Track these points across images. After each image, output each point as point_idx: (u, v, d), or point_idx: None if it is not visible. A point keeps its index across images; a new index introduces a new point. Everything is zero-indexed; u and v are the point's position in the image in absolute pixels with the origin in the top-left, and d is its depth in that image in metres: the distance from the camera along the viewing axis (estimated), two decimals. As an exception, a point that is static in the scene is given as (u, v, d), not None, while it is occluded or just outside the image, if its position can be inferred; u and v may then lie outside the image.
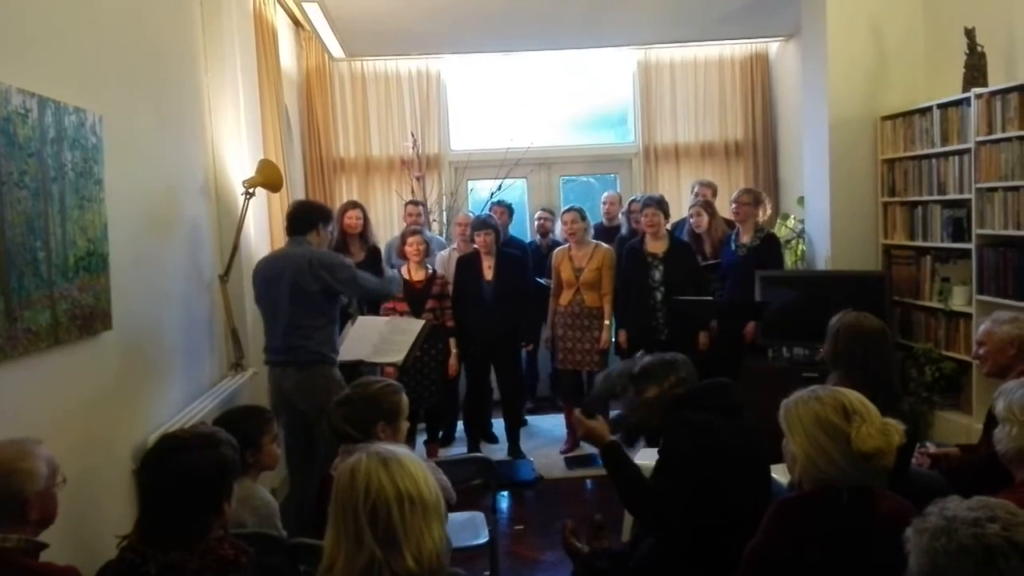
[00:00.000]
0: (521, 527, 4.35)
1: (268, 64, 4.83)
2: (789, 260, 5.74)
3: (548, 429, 5.90)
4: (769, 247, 5.15)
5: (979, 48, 4.35)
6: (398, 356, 4.09)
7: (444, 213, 6.67)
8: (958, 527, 1.35)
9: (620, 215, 5.95)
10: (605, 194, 6.45)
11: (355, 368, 4.01)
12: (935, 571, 1.36)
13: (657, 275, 5.06)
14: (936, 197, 4.63)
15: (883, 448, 1.87)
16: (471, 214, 5.65)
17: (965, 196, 4.34)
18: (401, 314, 4.83)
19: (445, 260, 5.38)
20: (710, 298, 5.09)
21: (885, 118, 5.07)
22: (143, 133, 3.27)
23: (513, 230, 6.26)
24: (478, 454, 4.66)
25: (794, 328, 4.85)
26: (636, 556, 2.70)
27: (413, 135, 6.68)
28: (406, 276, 5.03)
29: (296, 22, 6.11)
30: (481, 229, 5.15)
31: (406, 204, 5.90)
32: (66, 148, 2.50)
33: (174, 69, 3.70)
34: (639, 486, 2.53)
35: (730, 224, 5.42)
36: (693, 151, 7.07)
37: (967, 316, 4.39)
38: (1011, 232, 4.01)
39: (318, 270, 3.67)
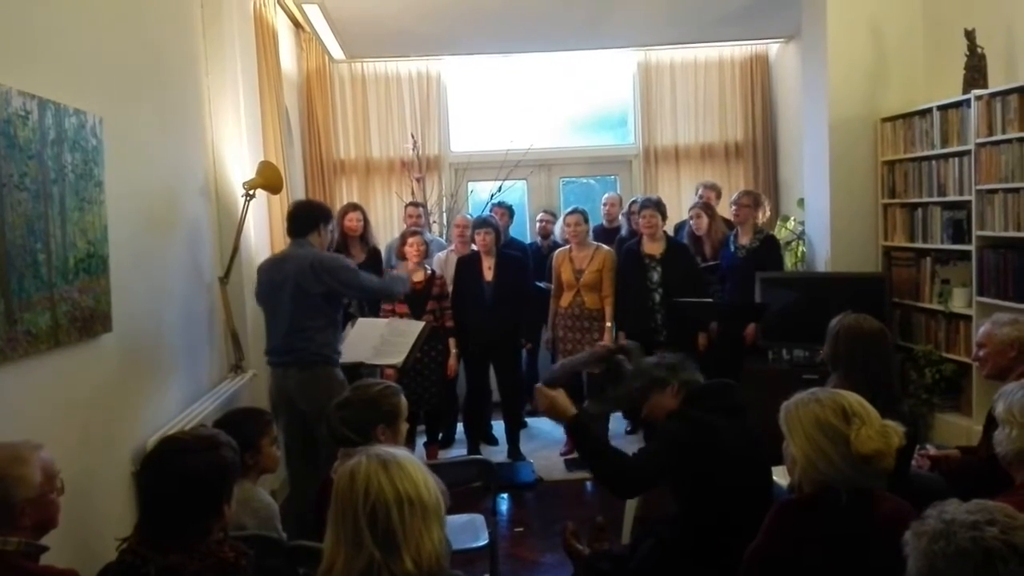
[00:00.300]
0: (521, 529, 4.34)
1: (268, 66, 4.84)
2: (789, 262, 5.75)
3: (548, 431, 5.89)
4: (768, 249, 5.15)
5: (979, 49, 4.36)
6: (398, 358, 4.09)
7: (444, 215, 6.67)
8: (957, 530, 1.35)
9: (620, 217, 5.96)
10: (606, 195, 6.46)
11: (355, 370, 4.01)
12: (934, 574, 1.36)
13: (655, 276, 5.07)
14: (936, 199, 4.63)
15: (883, 450, 1.87)
16: (469, 216, 5.65)
17: (965, 198, 4.34)
18: (401, 315, 4.83)
19: (442, 261, 5.38)
20: (710, 300, 5.09)
21: (885, 120, 5.07)
22: (143, 135, 3.27)
23: (513, 231, 6.26)
24: (478, 456, 4.65)
25: (794, 330, 4.85)
26: (637, 558, 2.70)
27: (413, 137, 6.69)
28: (405, 277, 5.03)
29: (296, 24, 6.12)
30: (481, 228, 5.15)
31: (406, 206, 5.90)
32: (66, 150, 2.50)
33: (174, 71, 3.70)
34: (607, 452, 2.56)
35: (730, 225, 5.42)
36: (693, 152, 7.07)
37: (967, 318, 4.39)
38: (1011, 234, 4.01)
39: (321, 273, 3.67)
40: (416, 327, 4.24)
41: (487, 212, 5.82)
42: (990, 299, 4.16)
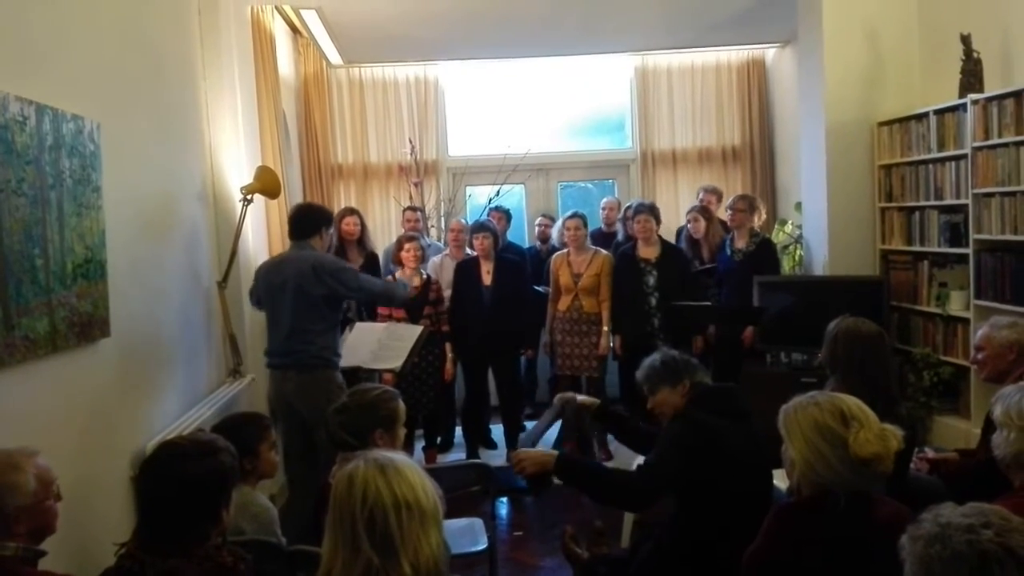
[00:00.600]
0: (520, 533, 4.34)
1: (266, 71, 4.84)
2: (787, 265, 5.75)
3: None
4: (765, 252, 5.16)
5: (975, 54, 4.37)
6: (396, 362, 4.09)
7: (442, 219, 6.67)
8: (952, 534, 1.35)
9: (617, 221, 5.97)
10: (604, 200, 6.47)
11: (354, 374, 4.01)
12: (930, 578, 1.36)
13: (651, 280, 5.08)
14: (933, 202, 4.64)
15: (881, 453, 1.87)
16: (463, 220, 5.66)
17: (962, 201, 4.35)
18: (398, 320, 4.83)
19: (438, 266, 5.37)
20: (708, 303, 5.09)
21: (882, 124, 5.08)
22: (141, 140, 3.27)
23: (511, 236, 6.27)
24: (477, 460, 4.65)
25: (792, 333, 4.85)
26: (636, 562, 2.70)
27: (411, 141, 6.69)
28: (401, 282, 5.03)
29: (294, 29, 6.13)
30: (479, 232, 5.15)
31: (404, 210, 5.90)
32: (64, 155, 2.50)
33: (172, 76, 3.70)
34: (605, 474, 2.56)
35: (727, 229, 5.43)
36: (691, 157, 7.08)
37: (965, 321, 4.39)
38: (1008, 237, 4.02)
39: (322, 274, 3.67)
40: (414, 331, 4.24)
41: (484, 216, 5.82)
42: (988, 302, 4.16)
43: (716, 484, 2.45)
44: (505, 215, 6.04)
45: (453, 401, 5.58)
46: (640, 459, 3.22)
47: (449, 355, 5.13)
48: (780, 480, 2.63)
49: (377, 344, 4.17)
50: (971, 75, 4.37)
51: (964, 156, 4.30)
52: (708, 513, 2.50)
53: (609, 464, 4.22)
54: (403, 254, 5.03)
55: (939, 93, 4.75)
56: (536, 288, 5.52)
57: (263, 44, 4.84)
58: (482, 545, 3.15)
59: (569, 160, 7.26)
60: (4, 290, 2.16)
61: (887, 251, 5.11)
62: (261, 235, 4.68)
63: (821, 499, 1.91)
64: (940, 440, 4.41)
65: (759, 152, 7.03)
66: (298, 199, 6.20)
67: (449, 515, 1.82)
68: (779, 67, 6.95)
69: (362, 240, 5.33)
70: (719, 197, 5.92)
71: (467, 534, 3.18)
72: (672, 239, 5.69)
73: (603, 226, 6.29)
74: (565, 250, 5.34)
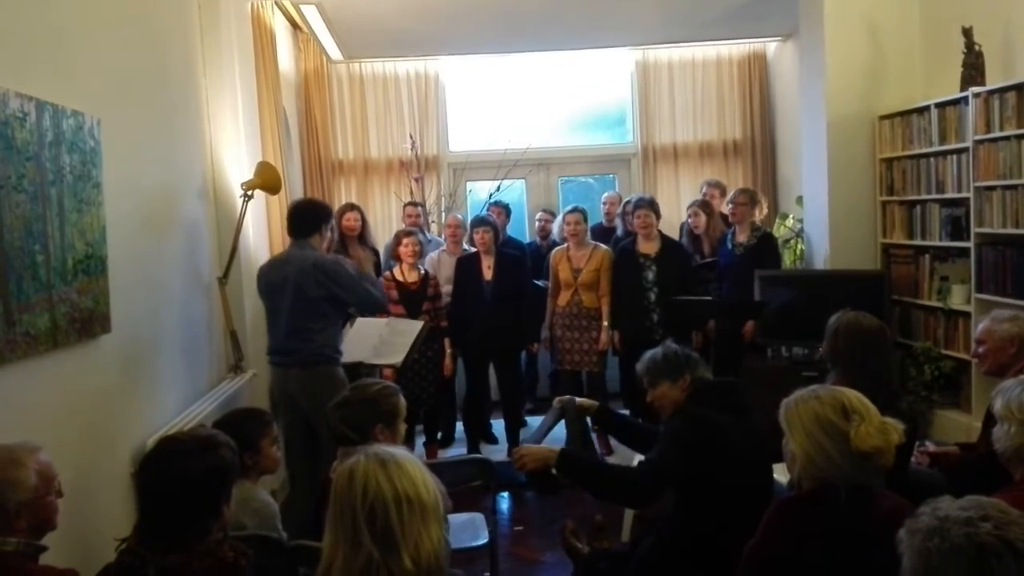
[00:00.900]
0: (521, 528, 4.35)
1: (266, 66, 4.84)
2: (788, 259, 5.75)
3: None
4: (766, 246, 5.15)
5: (976, 47, 4.36)
6: (397, 357, 4.09)
7: (443, 214, 6.66)
8: (950, 527, 1.36)
9: (617, 216, 5.96)
10: (605, 194, 6.46)
11: (355, 369, 4.02)
12: (929, 571, 1.36)
13: (650, 275, 5.07)
14: (935, 196, 4.63)
15: (882, 447, 1.87)
16: (459, 215, 5.66)
17: (963, 195, 4.34)
18: (397, 316, 4.82)
19: (435, 262, 5.37)
20: (709, 298, 5.09)
21: (883, 117, 5.07)
22: (141, 136, 3.27)
23: (512, 231, 6.26)
24: (478, 455, 4.65)
25: (793, 327, 4.85)
26: (636, 556, 2.70)
27: (411, 136, 6.69)
28: (400, 278, 5.03)
29: (294, 24, 6.12)
30: (480, 227, 5.15)
31: (405, 205, 5.90)
32: (64, 151, 2.50)
33: (172, 72, 3.70)
34: (608, 471, 2.57)
35: (728, 223, 5.42)
36: (692, 151, 7.07)
37: (966, 315, 4.39)
38: (1010, 230, 4.01)
39: (321, 277, 3.68)
40: (415, 327, 4.24)
41: (484, 212, 5.82)
42: (989, 296, 4.16)
43: (716, 479, 2.45)
44: (504, 210, 6.03)
45: (454, 396, 5.58)
46: (640, 457, 3.25)
47: (448, 351, 5.13)
48: (781, 474, 2.64)
49: (378, 339, 4.17)
50: (972, 68, 4.36)
51: (965, 149, 4.30)
52: (708, 508, 2.50)
53: (610, 459, 4.22)
54: (401, 249, 5.03)
55: (940, 86, 4.74)
56: (536, 282, 5.52)
57: (263, 40, 4.83)
58: (483, 540, 3.15)
59: (570, 155, 7.25)
60: (5, 286, 2.16)
61: (888, 245, 5.11)
62: (262, 231, 4.68)
63: (822, 493, 1.91)
64: (941, 434, 4.42)
65: (760, 146, 7.02)
66: (299, 195, 6.19)
67: (451, 509, 1.82)
68: (780, 61, 6.94)
69: (363, 236, 5.33)
70: (722, 191, 5.90)
71: (468, 529, 3.19)
72: (675, 234, 5.69)
73: (604, 221, 6.29)
74: (565, 245, 5.33)
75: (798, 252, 5.74)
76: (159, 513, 1.89)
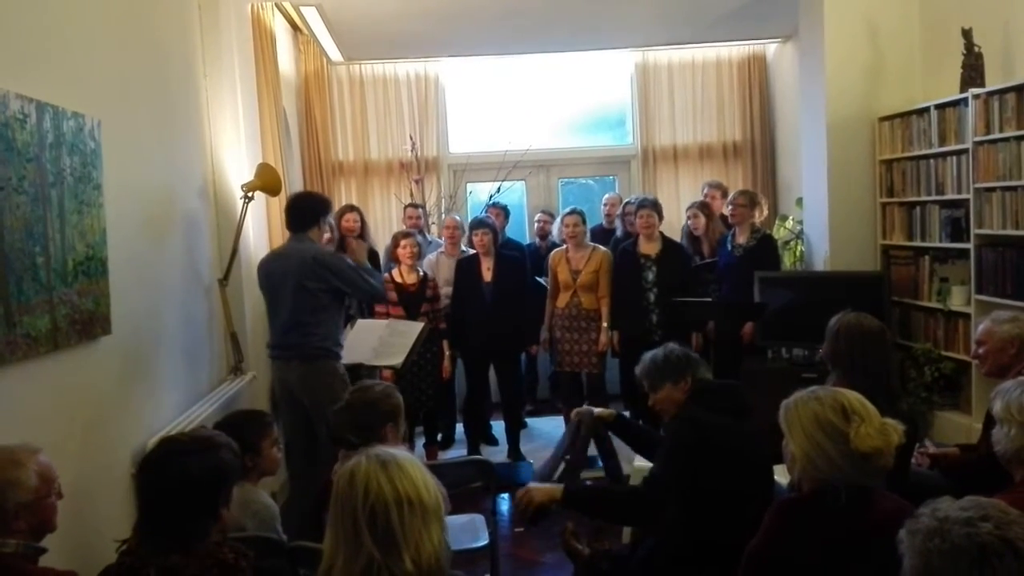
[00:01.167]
0: (521, 529, 4.34)
1: (266, 68, 4.84)
2: (788, 261, 5.75)
3: (548, 431, 5.89)
4: (765, 248, 5.15)
5: (976, 48, 4.36)
6: (398, 359, 4.10)
7: (443, 216, 6.67)
8: (951, 527, 1.36)
9: (616, 217, 5.96)
10: (606, 196, 6.46)
11: (355, 371, 4.02)
12: (930, 572, 1.36)
13: (650, 276, 5.07)
14: (934, 197, 4.63)
15: (882, 448, 1.87)
16: (457, 217, 5.67)
17: (963, 196, 4.35)
18: (396, 318, 4.82)
19: (433, 263, 5.37)
20: (709, 299, 5.09)
21: (883, 119, 5.08)
22: (142, 138, 3.27)
23: (512, 232, 6.26)
24: (478, 456, 4.65)
25: (793, 329, 4.85)
26: (637, 558, 2.70)
27: (412, 138, 6.69)
28: (399, 279, 5.03)
29: (294, 26, 6.12)
30: (478, 229, 5.15)
31: (405, 207, 5.90)
32: (65, 153, 2.50)
33: (173, 73, 3.70)
34: (613, 495, 2.58)
35: (728, 224, 5.42)
36: (692, 153, 7.08)
37: (966, 316, 4.39)
38: (1009, 232, 4.02)
39: (322, 270, 3.71)
40: (415, 328, 4.24)
41: (483, 213, 5.82)
42: (989, 297, 4.16)
43: (716, 481, 2.45)
44: (503, 211, 6.03)
45: (454, 398, 5.58)
46: (638, 458, 3.25)
47: (446, 353, 5.13)
48: (781, 475, 2.64)
49: (378, 341, 4.17)
50: (972, 69, 4.37)
51: (965, 151, 4.30)
52: (709, 509, 2.50)
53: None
54: (399, 251, 5.04)
55: (940, 88, 4.74)
56: (537, 279, 5.51)
57: (264, 41, 4.83)
58: (483, 541, 3.15)
59: (570, 156, 7.25)
60: (5, 288, 2.16)
61: (888, 246, 5.11)
62: (262, 232, 4.69)
63: (822, 494, 1.91)
64: (941, 435, 4.41)
65: (760, 148, 7.02)
66: (299, 197, 6.20)
67: (450, 511, 1.82)
68: (780, 62, 6.94)
69: (362, 237, 5.34)
70: (723, 192, 5.90)
71: (468, 530, 3.19)
72: (675, 235, 5.69)
73: (604, 223, 6.29)
74: (564, 247, 5.33)
75: (798, 253, 5.74)
76: (156, 512, 1.88)
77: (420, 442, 5.38)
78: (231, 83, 4.20)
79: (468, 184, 7.03)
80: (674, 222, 6.22)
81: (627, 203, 5.74)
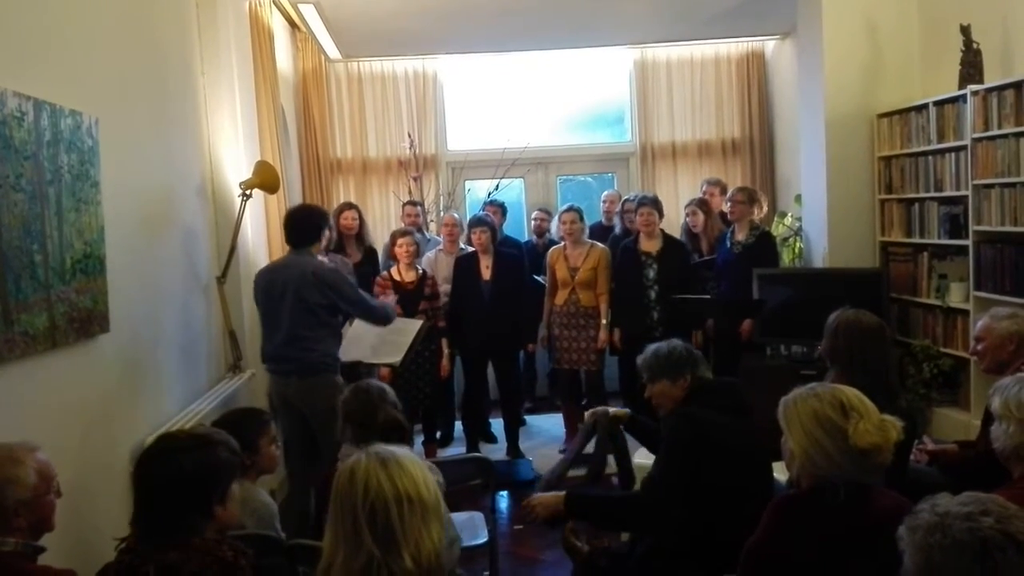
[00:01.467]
0: (521, 527, 4.34)
1: (264, 66, 4.83)
2: (787, 258, 5.75)
3: (547, 429, 5.90)
4: (764, 245, 5.15)
5: (975, 45, 4.36)
6: (396, 356, 4.09)
7: (442, 213, 6.66)
8: (952, 522, 1.36)
9: (615, 215, 5.96)
10: (605, 193, 6.46)
11: (354, 368, 4.01)
12: (931, 567, 1.36)
13: (651, 273, 5.07)
14: (933, 194, 4.63)
15: (880, 445, 1.87)
16: (455, 214, 5.66)
17: (962, 193, 4.35)
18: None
19: (432, 261, 5.37)
20: (708, 296, 5.09)
21: (881, 115, 5.08)
22: (140, 135, 3.27)
23: (511, 230, 6.26)
24: (477, 454, 4.65)
25: (792, 326, 4.85)
26: (635, 555, 2.70)
27: (410, 136, 6.68)
28: (397, 277, 5.02)
29: (292, 23, 6.11)
30: (477, 227, 5.15)
31: (404, 205, 5.90)
32: (62, 151, 2.50)
33: (170, 71, 3.69)
34: (616, 501, 2.58)
35: (727, 222, 5.42)
36: (690, 150, 7.07)
37: (964, 313, 4.39)
38: (1008, 228, 4.02)
39: (323, 286, 3.66)
40: (414, 325, 4.24)
41: (481, 211, 5.82)
42: (987, 294, 4.16)
43: (714, 477, 2.45)
44: (501, 209, 6.03)
45: (453, 395, 5.58)
46: (637, 456, 3.25)
47: (445, 351, 5.13)
48: (780, 472, 2.64)
49: (377, 338, 4.16)
50: (971, 66, 4.37)
51: (964, 147, 4.30)
52: (708, 506, 2.50)
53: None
54: (397, 249, 5.03)
55: (939, 84, 4.74)
56: (536, 277, 5.51)
57: (261, 39, 4.83)
58: (483, 539, 3.16)
59: (568, 154, 7.25)
60: (3, 286, 2.16)
61: (887, 243, 5.11)
62: (260, 230, 4.68)
63: (820, 490, 1.91)
64: (940, 432, 4.42)
65: (759, 145, 7.02)
66: (297, 194, 6.20)
67: (449, 509, 1.82)
68: (779, 59, 6.94)
69: (361, 235, 5.33)
70: (723, 189, 5.90)
71: (468, 528, 3.19)
72: (675, 233, 5.68)
73: (603, 220, 6.29)
74: (562, 244, 5.33)
75: (797, 250, 5.75)
76: (149, 507, 1.87)
77: (419, 439, 5.38)
78: (229, 81, 4.20)
79: (466, 181, 7.03)
80: (673, 219, 6.22)
81: (626, 200, 5.74)
